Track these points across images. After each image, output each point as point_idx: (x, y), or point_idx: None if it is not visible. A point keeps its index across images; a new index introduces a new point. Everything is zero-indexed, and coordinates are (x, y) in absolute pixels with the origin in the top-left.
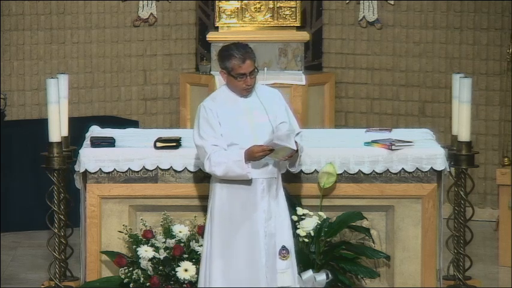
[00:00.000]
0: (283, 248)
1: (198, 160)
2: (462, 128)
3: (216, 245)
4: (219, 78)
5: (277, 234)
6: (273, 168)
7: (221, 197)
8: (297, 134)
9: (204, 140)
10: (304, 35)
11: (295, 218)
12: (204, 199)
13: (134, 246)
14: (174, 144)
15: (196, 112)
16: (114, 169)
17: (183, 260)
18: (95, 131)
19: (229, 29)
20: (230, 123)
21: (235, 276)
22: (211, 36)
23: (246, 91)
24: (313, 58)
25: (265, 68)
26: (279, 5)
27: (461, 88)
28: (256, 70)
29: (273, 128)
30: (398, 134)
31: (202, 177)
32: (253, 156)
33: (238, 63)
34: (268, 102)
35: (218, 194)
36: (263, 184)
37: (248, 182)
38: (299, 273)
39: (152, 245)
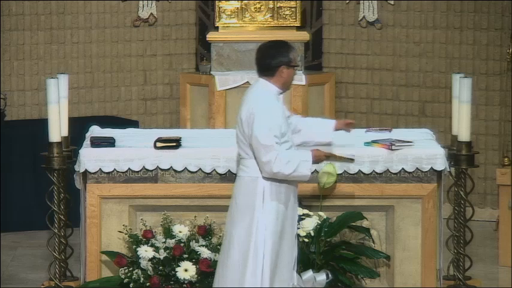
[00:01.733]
0: None
1: (198, 160)
2: (462, 128)
3: (270, 254)
4: (219, 79)
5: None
6: None
7: (272, 196)
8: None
9: (272, 140)
10: (304, 35)
11: None
12: (204, 199)
13: (134, 246)
14: (174, 144)
15: (261, 109)
16: (114, 169)
17: (183, 260)
18: (95, 131)
19: (229, 29)
20: (284, 124)
21: (281, 275)
22: (211, 36)
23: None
24: (313, 58)
25: None
26: (279, 5)
27: (461, 88)
28: None
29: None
30: (398, 134)
31: (202, 177)
32: (320, 158)
33: (296, 53)
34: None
35: (270, 197)
36: (296, 186)
37: (290, 182)
38: (299, 273)
39: (152, 245)
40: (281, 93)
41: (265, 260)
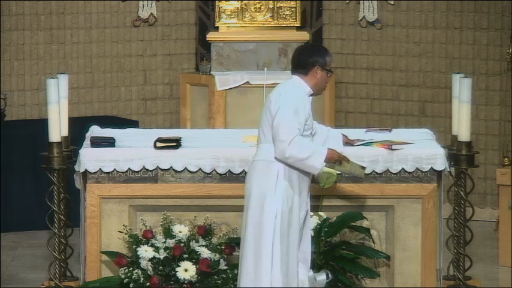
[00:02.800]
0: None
1: (198, 160)
2: (462, 128)
3: (279, 248)
4: (219, 79)
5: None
6: None
7: (286, 194)
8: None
9: (295, 122)
10: (304, 35)
11: None
12: (204, 199)
13: (134, 246)
14: (174, 144)
15: (291, 95)
16: (114, 169)
17: (183, 260)
18: (95, 131)
19: (229, 29)
20: (309, 123)
21: (292, 270)
22: (211, 36)
23: (324, 88)
24: None
25: (265, 68)
26: (279, 5)
27: (461, 88)
28: None
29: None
30: (398, 134)
31: (202, 177)
32: (333, 157)
33: (332, 60)
34: None
35: (281, 189)
36: (309, 178)
37: (304, 174)
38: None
39: (152, 245)
40: (311, 95)
41: (275, 251)
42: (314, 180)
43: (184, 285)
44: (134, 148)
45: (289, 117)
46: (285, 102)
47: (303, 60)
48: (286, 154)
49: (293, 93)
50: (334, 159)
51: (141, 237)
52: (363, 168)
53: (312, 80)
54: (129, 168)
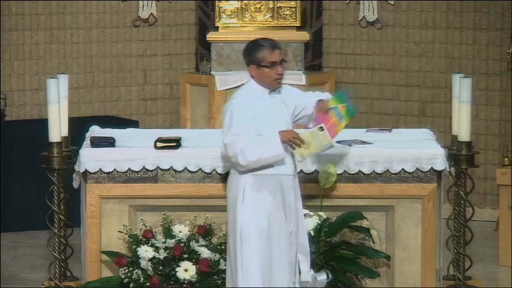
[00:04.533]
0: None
1: (198, 160)
2: (462, 128)
3: (255, 249)
4: (219, 79)
5: (300, 231)
6: (293, 165)
7: (257, 198)
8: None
9: (236, 135)
10: (304, 35)
11: None
12: (204, 199)
13: (134, 246)
14: (174, 144)
15: (225, 111)
16: (114, 169)
17: (183, 260)
18: (95, 131)
19: (229, 29)
20: (261, 119)
21: (276, 276)
22: (211, 36)
23: (277, 81)
24: (313, 58)
25: None
26: (279, 5)
27: (461, 88)
28: (285, 61)
29: (291, 125)
30: (398, 134)
31: (202, 177)
32: (287, 136)
33: (269, 51)
34: (286, 100)
35: (250, 193)
36: (289, 181)
37: (278, 178)
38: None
39: (152, 245)
40: (272, 91)
41: (244, 260)
42: (314, 180)
43: (184, 285)
44: (134, 148)
45: (228, 133)
46: (224, 117)
47: (244, 61)
48: (243, 164)
49: (231, 103)
50: (293, 139)
51: (141, 237)
52: (321, 128)
53: (257, 78)
54: (129, 168)
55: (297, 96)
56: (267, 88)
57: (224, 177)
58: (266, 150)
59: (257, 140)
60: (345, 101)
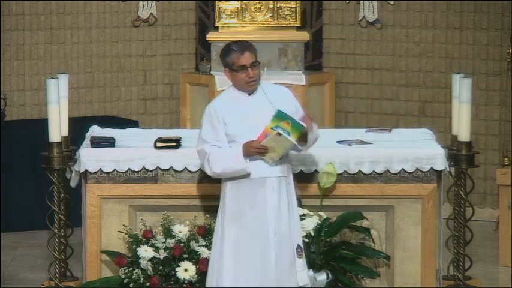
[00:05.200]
0: (298, 246)
1: (198, 160)
2: (462, 128)
3: (227, 244)
4: (219, 79)
5: (292, 233)
6: (282, 167)
7: (231, 197)
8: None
9: (205, 143)
10: (304, 35)
11: None
12: (204, 199)
13: (134, 246)
14: (174, 144)
15: (203, 114)
16: (114, 169)
17: (183, 260)
18: (95, 131)
19: (229, 29)
20: (238, 123)
21: (246, 276)
22: (211, 36)
23: (250, 84)
24: (313, 58)
25: (265, 68)
26: (279, 5)
27: (461, 88)
28: (257, 62)
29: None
30: (398, 134)
31: (202, 177)
32: (249, 150)
33: (237, 55)
34: (276, 101)
35: (228, 193)
36: (273, 183)
37: (258, 180)
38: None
39: (152, 245)
40: (251, 94)
41: (222, 262)
42: (314, 180)
43: (184, 285)
44: (134, 148)
45: (199, 140)
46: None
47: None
48: (211, 173)
49: (205, 109)
50: (254, 151)
51: (141, 237)
52: (278, 134)
53: (232, 82)
54: (129, 168)
55: (289, 112)
56: (241, 90)
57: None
58: (231, 164)
59: (223, 152)
60: (286, 118)
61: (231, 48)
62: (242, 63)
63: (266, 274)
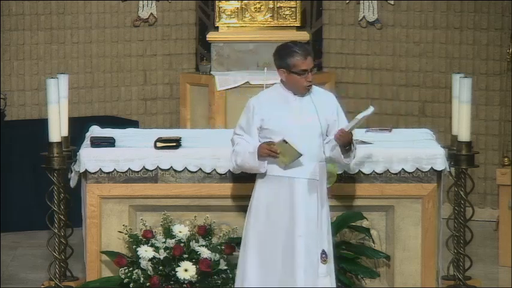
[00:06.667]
0: (323, 252)
1: (198, 160)
2: (462, 128)
3: (253, 243)
4: (219, 78)
5: (318, 238)
6: (314, 170)
7: (259, 196)
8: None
9: (236, 134)
10: (304, 35)
11: None
12: (204, 199)
13: (134, 246)
14: (174, 144)
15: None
16: (114, 169)
17: (183, 260)
18: (95, 131)
19: (229, 29)
20: (277, 120)
21: (271, 275)
22: (211, 36)
23: (307, 88)
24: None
25: (265, 68)
26: (279, 5)
27: (461, 88)
28: (315, 67)
29: (321, 129)
30: (398, 134)
31: (202, 177)
32: (261, 150)
33: (301, 59)
34: (320, 104)
35: (257, 192)
36: (303, 184)
37: (287, 180)
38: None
39: (152, 245)
40: (301, 95)
41: (247, 258)
42: None
43: (184, 285)
44: (134, 148)
45: (235, 129)
46: None
47: (274, 63)
48: (233, 163)
49: (248, 101)
50: (264, 153)
51: (141, 237)
52: (285, 142)
53: (286, 83)
54: (129, 168)
55: (330, 116)
56: (291, 92)
57: (224, 177)
58: (247, 159)
59: (247, 146)
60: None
61: (294, 50)
62: (304, 68)
63: (292, 275)
